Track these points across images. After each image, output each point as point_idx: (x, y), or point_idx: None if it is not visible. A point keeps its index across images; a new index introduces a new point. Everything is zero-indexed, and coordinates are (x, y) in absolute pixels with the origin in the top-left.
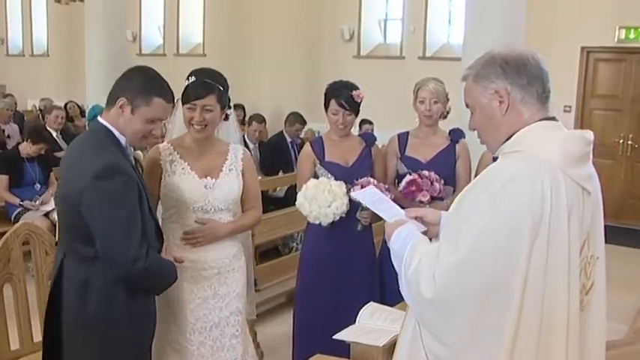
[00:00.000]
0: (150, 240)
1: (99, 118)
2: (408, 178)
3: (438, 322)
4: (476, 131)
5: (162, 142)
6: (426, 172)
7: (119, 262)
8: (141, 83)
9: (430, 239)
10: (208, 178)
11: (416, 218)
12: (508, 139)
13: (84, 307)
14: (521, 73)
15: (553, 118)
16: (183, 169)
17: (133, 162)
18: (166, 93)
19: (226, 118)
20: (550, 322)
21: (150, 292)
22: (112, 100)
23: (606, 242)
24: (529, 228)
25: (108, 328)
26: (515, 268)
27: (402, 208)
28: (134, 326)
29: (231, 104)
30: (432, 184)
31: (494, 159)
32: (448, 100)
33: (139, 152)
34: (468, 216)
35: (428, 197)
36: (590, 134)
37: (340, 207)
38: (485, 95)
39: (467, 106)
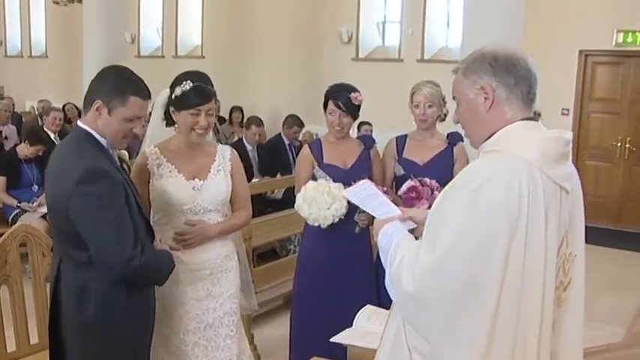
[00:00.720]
0: (141, 238)
1: (79, 122)
2: (409, 183)
3: (418, 317)
4: (459, 124)
5: (142, 139)
6: (427, 180)
7: (113, 265)
8: (115, 83)
9: (417, 238)
10: (196, 179)
11: (410, 219)
12: (489, 137)
13: (82, 312)
14: (510, 73)
15: (533, 118)
16: (170, 172)
17: (118, 162)
18: (142, 91)
19: None
20: (526, 319)
21: (151, 285)
22: (88, 103)
23: (603, 245)
24: (506, 228)
25: (107, 331)
26: (492, 268)
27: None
28: (133, 325)
29: None
30: (432, 193)
31: None
32: (445, 103)
33: (124, 152)
34: (446, 216)
35: (427, 206)
36: (569, 134)
37: (339, 209)
38: (472, 90)
39: (454, 98)
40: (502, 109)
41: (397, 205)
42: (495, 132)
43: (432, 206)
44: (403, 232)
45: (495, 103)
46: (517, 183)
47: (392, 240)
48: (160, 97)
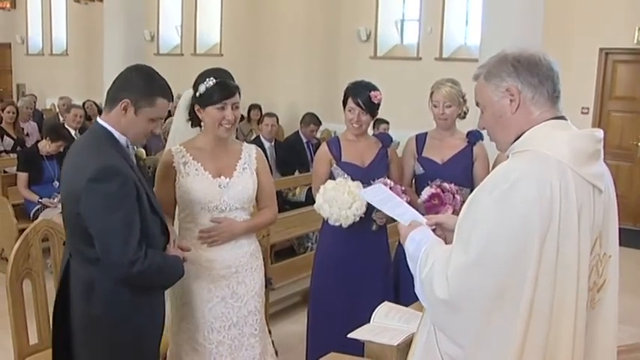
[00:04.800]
0: (153, 239)
1: (99, 119)
2: (429, 190)
3: (451, 322)
4: (485, 130)
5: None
6: (447, 185)
7: (117, 264)
8: (142, 84)
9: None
10: (222, 177)
11: (436, 225)
12: (517, 138)
13: (89, 308)
14: (533, 73)
15: (562, 118)
16: (196, 170)
17: (134, 161)
18: (167, 92)
19: None
20: (560, 318)
21: (156, 289)
22: (112, 101)
23: (622, 245)
24: (538, 228)
25: (114, 327)
26: (525, 268)
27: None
28: (140, 323)
29: None
30: (453, 197)
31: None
32: (465, 101)
33: (142, 150)
34: (477, 217)
35: (451, 211)
36: (599, 132)
37: (360, 208)
38: (497, 93)
39: (477, 104)
40: (529, 110)
41: (419, 211)
42: (523, 133)
43: (462, 210)
44: (432, 238)
45: (522, 105)
46: (548, 182)
47: (421, 246)
48: (182, 98)
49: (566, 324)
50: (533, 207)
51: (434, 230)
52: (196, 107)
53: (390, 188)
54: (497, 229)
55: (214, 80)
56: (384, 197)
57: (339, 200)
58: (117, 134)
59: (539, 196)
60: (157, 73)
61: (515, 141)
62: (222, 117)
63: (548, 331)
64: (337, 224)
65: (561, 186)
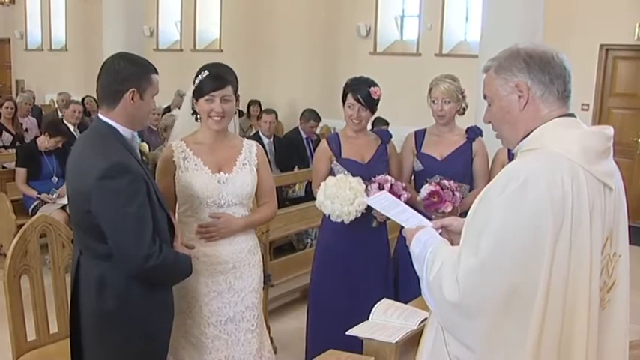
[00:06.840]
0: (163, 234)
1: (100, 117)
2: (428, 188)
3: (461, 325)
4: (491, 124)
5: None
6: (445, 182)
7: (132, 259)
8: (135, 69)
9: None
10: (221, 173)
11: (442, 228)
12: (526, 136)
13: (101, 303)
14: (544, 70)
15: (572, 115)
16: (196, 165)
17: (139, 156)
18: (153, 67)
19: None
20: (572, 320)
21: (164, 285)
22: (114, 95)
23: None
24: (550, 227)
25: (125, 323)
26: (537, 269)
27: (425, 216)
28: (151, 319)
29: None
30: (453, 194)
31: (509, 154)
32: (464, 97)
33: (145, 144)
34: (487, 217)
35: (450, 208)
36: (609, 130)
37: (362, 204)
38: (506, 88)
39: (485, 97)
40: (537, 107)
41: (419, 209)
42: (532, 131)
43: (471, 208)
44: (438, 239)
45: (530, 101)
46: (560, 180)
47: (427, 247)
48: (189, 91)
49: (580, 325)
50: (544, 206)
51: (440, 234)
52: (193, 100)
53: (392, 185)
54: (507, 229)
55: (207, 73)
56: (390, 203)
57: (341, 197)
58: (121, 129)
59: (551, 195)
60: (134, 55)
61: (523, 139)
62: (211, 109)
63: (562, 332)
64: (339, 220)
65: (573, 184)
